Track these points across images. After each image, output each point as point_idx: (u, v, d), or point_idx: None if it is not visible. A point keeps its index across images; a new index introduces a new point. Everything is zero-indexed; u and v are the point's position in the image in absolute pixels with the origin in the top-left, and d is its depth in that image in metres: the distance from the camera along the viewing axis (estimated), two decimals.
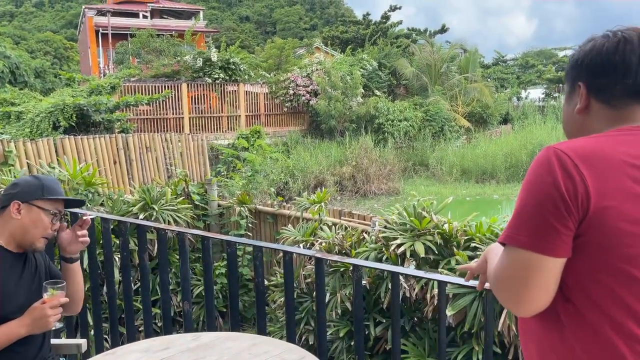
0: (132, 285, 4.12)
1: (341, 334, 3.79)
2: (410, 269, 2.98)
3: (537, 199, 0.98)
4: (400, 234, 3.55)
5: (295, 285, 4.29)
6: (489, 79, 27.14)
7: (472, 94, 20.33)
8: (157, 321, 4.11)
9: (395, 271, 1.81)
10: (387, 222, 3.74)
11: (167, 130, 13.59)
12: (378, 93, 18.90)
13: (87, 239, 2.03)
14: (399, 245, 3.46)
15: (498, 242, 1.06)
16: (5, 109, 11.48)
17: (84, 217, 2.03)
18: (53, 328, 1.88)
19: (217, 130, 15.63)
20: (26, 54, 22.94)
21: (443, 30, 30.78)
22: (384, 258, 3.59)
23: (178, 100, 14.96)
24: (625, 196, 0.96)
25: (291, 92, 16.80)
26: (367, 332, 3.68)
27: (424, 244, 3.44)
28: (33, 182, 1.96)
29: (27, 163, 5.71)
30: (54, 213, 1.94)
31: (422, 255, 3.38)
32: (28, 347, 1.88)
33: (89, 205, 4.49)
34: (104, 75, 17.10)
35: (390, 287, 3.52)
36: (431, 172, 16.02)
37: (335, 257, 2.16)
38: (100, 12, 21.90)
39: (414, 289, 3.43)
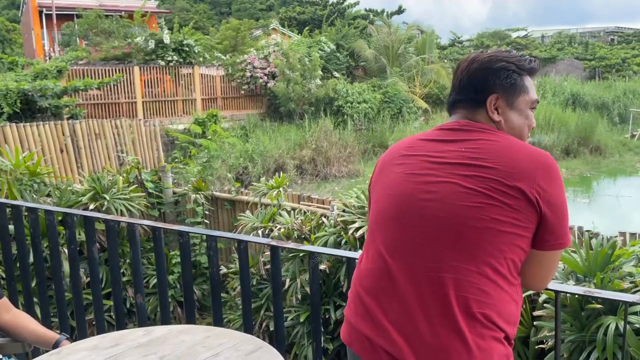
0: (85, 278, 3.98)
1: (302, 319, 3.79)
2: None
3: None
4: (359, 217, 3.55)
5: (254, 271, 4.25)
6: (445, 60, 27.47)
7: (430, 75, 20.54)
8: (111, 314, 3.99)
9: (353, 257, 1.78)
10: (346, 205, 3.73)
11: (119, 116, 13.10)
12: (337, 75, 18.83)
13: None
14: (358, 229, 3.46)
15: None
16: None
17: None
18: None
19: (172, 114, 15.20)
20: None
21: (400, 11, 30.86)
22: (343, 242, 3.59)
23: (130, 84, 14.43)
24: None
25: (248, 74, 16.50)
26: (327, 316, 3.69)
27: None
28: None
29: None
30: None
31: None
32: None
33: (34, 196, 4.28)
34: (50, 59, 16.27)
35: (348, 271, 3.52)
36: None
37: (291, 245, 2.12)
38: None
39: None
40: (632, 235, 3.99)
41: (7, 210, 2.93)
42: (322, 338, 3.74)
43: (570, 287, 1.78)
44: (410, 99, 18.85)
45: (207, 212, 5.22)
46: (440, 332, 1.20)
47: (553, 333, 2.64)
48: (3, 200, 3.10)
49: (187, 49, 15.33)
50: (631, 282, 2.59)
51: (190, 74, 15.64)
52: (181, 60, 15.29)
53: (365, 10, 29.72)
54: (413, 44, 22.63)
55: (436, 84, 20.51)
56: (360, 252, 1.54)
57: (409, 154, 1.38)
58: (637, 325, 2.40)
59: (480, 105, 1.36)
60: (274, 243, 1.99)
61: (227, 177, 7.36)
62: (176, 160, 9.68)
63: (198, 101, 15.85)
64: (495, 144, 1.28)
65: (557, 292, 1.59)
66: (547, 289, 1.45)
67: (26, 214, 3.20)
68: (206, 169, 6.77)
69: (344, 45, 20.53)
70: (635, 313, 2.44)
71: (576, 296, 2.57)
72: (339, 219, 3.69)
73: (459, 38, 39.00)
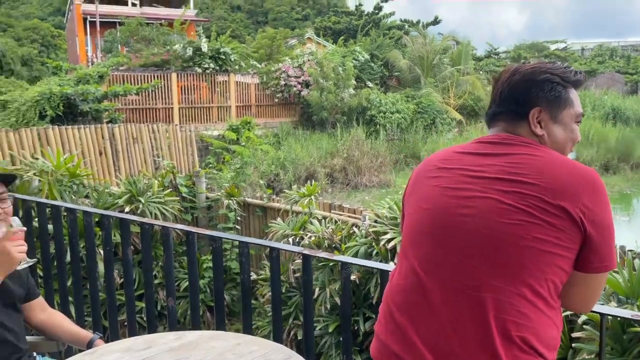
0: (118, 279, 4.05)
1: (330, 329, 3.75)
2: None
3: None
4: (391, 229, 3.51)
5: (284, 279, 4.24)
6: (481, 72, 27.10)
7: (464, 86, 20.30)
8: (142, 315, 4.04)
9: (385, 269, 1.75)
10: (378, 216, 3.69)
11: (156, 121, 13.40)
12: (370, 85, 18.81)
13: (24, 247, 1.79)
14: (389, 240, 3.41)
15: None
16: None
17: (13, 230, 1.78)
18: (23, 265, 1.80)
19: (207, 120, 15.46)
20: (13, 41, 22.53)
21: (436, 22, 30.68)
22: (374, 253, 3.54)
23: (168, 90, 14.76)
24: None
25: (282, 82, 16.65)
26: (356, 328, 3.64)
27: None
28: None
29: (10, 154, 5.57)
30: None
31: None
32: (1, 345, 1.82)
33: (73, 197, 4.39)
34: (92, 64, 16.82)
35: (380, 283, 3.48)
36: None
37: (324, 254, 2.11)
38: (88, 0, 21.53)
39: None
40: None
41: (47, 210, 3.01)
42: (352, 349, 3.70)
43: (616, 310, 1.70)
44: (444, 110, 18.66)
45: (239, 218, 5.26)
46: (475, 354, 1.16)
47: (592, 356, 2.54)
48: (43, 200, 3.19)
49: (224, 56, 15.60)
50: None
51: (225, 81, 15.90)
52: (217, 67, 15.56)
53: (401, 20, 29.67)
54: (448, 55, 22.43)
55: (471, 95, 20.24)
56: (392, 264, 1.51)
57: (444, 166, 1.35)
58: None
59: (521, 118, 1.31)
60: (306, 252, 1.98)
61: (259, 183, 7.41)
62: (210, 165, 9.82)
63: (232, 108, 16.08)
64: (537, 159, 1.23)
65: (602, 314, 1.52)
66: (592, 311, 1.38)
67: (64, 214, 3.28)
68: (239, 175, 6.83)
69: (379, 55, 20.50)
70: None
71: (618, 319, 2.47)
72: (370, 230, 3.65)
73: (495, 49, 38.44)
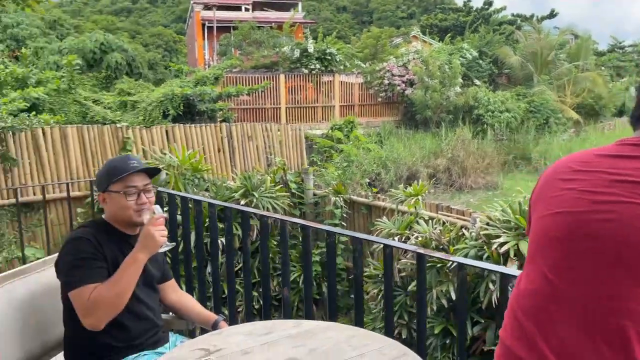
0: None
1: (436, 331, 3.71)
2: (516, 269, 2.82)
3: None
4: (504, 232, 3.38)
5: None
6: (603, 68, 24.92)
7: (583, 83, 18.81)
8: (254, 304, 4.28)
9: (506, 273, 1.72)
10: (490, 218, 3.57)
11: (264, 120, 14.05)
12: (478, 83, 18.11)
13: (165, 232, 1.97)
14: (502, 244, 3.29)
15: None
16: (122, 99, 12.49)
17: (156, 217, 1.96)
18: (165, 248, 1.97)
19: (311, 120, 15.88)
20: (141, 47, 24.82)
21: (552, 15, 28.74)
22: (485, 256, 3.44)
23: (276, 91, 15.39)
24: None
25: (386, 82, 16.60)
26: None
27: None
28: (102, 170, 2.03)
29: (143, 149, 6.19)
30: (126, 192, 1.94)
31: None
32: (140, 322, 2.00)
33: (195, 190, 4.76)
34: (208, 67, 18.01)
35: (490, 287, 3.37)
36: (533, 167, 15.11)
37: (439, 254, 2.10)
38: (207, 7, 23.06)
39: None
40: None
41: (176, 200, 3.30)
42: (457, 353, 3.63)
43: None
44: (559, 109, 17.43)
45: (344, 215, 5.37)
46: None
47: None
48: (174, 192, 3.49)
49: (329, 57, 15.91)
50: None
51: (330, 81, 16.21)
52: (323, 68, 15.91)
53: (513, 15, 28.20)
54: (565, 50, 20.93)
55: (590, 93, 18.70)
56: (514, 269, 1.47)
57: (582, 169, 1.27)
58: None
59: None
60: (421, 251, 1.99)
61: (361, 182, 7.49)
62: (314, 163, 10.09)
63: (336, 108, 16.35)
64: None
65: None
66: None
67: (190, 205, 3.57)
68: (346, 173, 6.96)
69: (487, 52, 19.67)
70: None
71: None
72: (481, 232, 3.55)
73: (620, 43, 35.09)
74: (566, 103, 18.12)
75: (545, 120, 16.90)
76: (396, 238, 4.36)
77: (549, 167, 1.42)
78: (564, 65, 19.53)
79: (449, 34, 22.26)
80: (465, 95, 16.31)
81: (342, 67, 16.49)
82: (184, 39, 30.71)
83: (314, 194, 5.55)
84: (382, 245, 4.38)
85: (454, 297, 3.58)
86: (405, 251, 4.14)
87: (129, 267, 1.86)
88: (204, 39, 22.64)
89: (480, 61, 19.12)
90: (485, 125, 16.12)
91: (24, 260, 4.28)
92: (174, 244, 2.10)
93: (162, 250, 1.99)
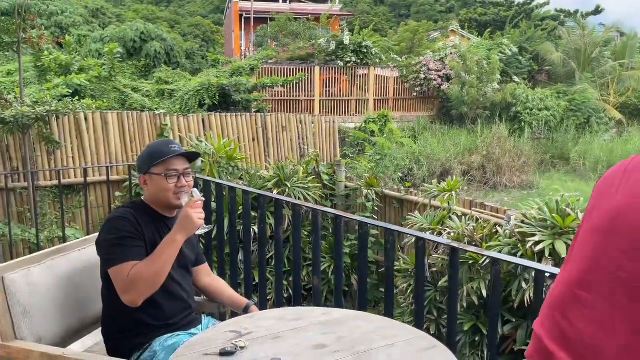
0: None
1: (465, 328, 3.67)
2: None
3: None
4: (540, 231, 3.31)
5: None
6: None
7: (628, 82, 18.14)
8: (283, 292, 4.32)
9: (540, 269, 1.68)
10: (525, 216, 3.50)
11: (298, 112, 14.09)
12: (516, 79, 17.68)
13: (203, 215, 2.00)
14: (537, 243, 3.23)
15: None
16: (160, 87, 12.74)
17: (194, 199, 1.99)
18: (202, 231, 2.01)
19: (345, 113, 15.84)
20: (179, 37, 25.25)
21: (597, 11, 27.79)
22: (519, 254, 3.38)
23: (310, 83, 15.40)
24: None
25: (422, 76, 16.39)
26: None
27: (566, 243, 3.17)
28: (144, 152, 2.08)
29: (180, 136, 6.31)
30: (167, 174, 1.99)
31: (563, 255, 3.12)
32: (174, 302, 2.05)
33: (229, 178, 4.83)
34: (245, 58, 18.17)
35: (523, 286, 3.31)
36: (572, 167, 14.69)
37: (473, 249, 2.08)
38: None
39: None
40: None
41: (212, 187, 3.36)
42: (486, 351, 3.59)
43: None
44: (602, 108, 16.86)
45: (376, 208, 5.36)
46: None
47: None
48: (210, 178, 3.56)
49: (365, 50, 15.80)
50: None
51: (365, 74, 16.11)
52: (358, 61, 15.82)
53: (556, 10, 27.37)
54: (610, 48, 20.21)
55: (635, 92, 18.02)
56: (549, 266, 1.43)
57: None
58: None
59: None
60: (455, 244, 1.97)
61: (394, 176, 7.44)
62: (347, 156, 10.07)
63: (370, 101, 16.26)
64: None
65: None
66: None
67: (224, 192, 3.63)
68: (379, 166, 6.93)
69: (528, 49, 19.16)
70: None
71: None
72: (516, 230, 3.48)
73: None
74: (609, 102, 17.52)
75: (587, 119, 16.39)
76: (428, 233, 4.33)
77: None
78: (608, 63, 18.87)
79: (488, 29, 21.76)
80: (503, 92, 15.95)
81: (377, 61, 16.36)
82: (221, 29, 31.07)
83: (346, 187, 5.55)
84: (413, 240, 4.37)
85: (484, 294, 3.54)
86: (437, 246, 4.10)
87: (168, 247, 1.91)
88: (241, 29, 22.83)
89: (520, 57, 18.65)
90: (522, 123, 15.75)
91: (64, 239, 4.44)
92: (210, 226, 2.14)
93: (199, 232, 2.04)
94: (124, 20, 21.91)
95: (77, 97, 7.37)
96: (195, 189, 2.07)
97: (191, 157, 2.12)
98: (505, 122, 15.43)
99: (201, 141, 5.13)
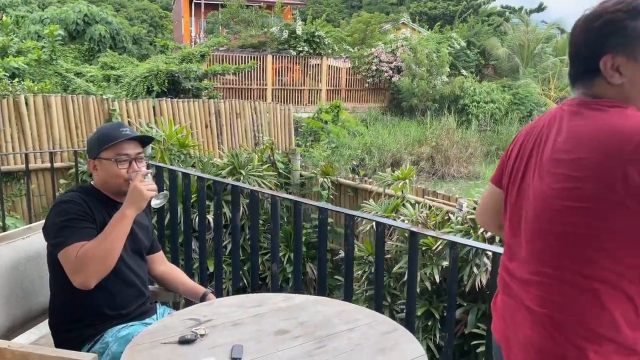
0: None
1: (419, 313, 3.75)
2: None
3: None
4: None
5: (372, 259, 4.29)
6: None
7: (567, 78, 19.02)
8: (239, 281, 4.27)
9: (497, 251, 1.73)
10: (477, 204, 3.61)
11: (251, 101, 13.92)
12: (465, 73, 18.19)
13: (153, 186, 1.93)
14: None
15: None
16: (106, 72, 12.24)
17: (142, 172, 1.93)
18: (157, 201, 1.96)
19: (298, 103, 15.79)
20: (125, 21, 24.26)
21: (540, 9, 28.96)
22: (471, 240, 3.48)
23: (262, 72, 15.23)
24: None
25: (374, 67, 16.55)
26: (444, 314, 3.61)
27: None
28: (93, 136, 1.99)
29: (129, 122, 6.08)
30: (118, 159, 1.91)
31: None
32: (127, 290, 1.97)
33: (180, 165, 4.71)
34: (195, 44, 17.72)
35: (474, 271, 3.42)
36: None
37: (433, 233, 2.11)
38: None
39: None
40: None
41: (164, 174, 3.25)
42: (438, 334, 3.69)
43: None
44: (543, 102, 17.63)
45: (331, 197, 5.37)
46: None
47: None
48: (162, 164, 3.45)
49: (318, 40, 15.78)
50: None
51: (318, 64, 16.10)
52: (311, 51, 15.78)
53: (502, 7, 28.30)
54: (552, 44, 21.10)
55: None
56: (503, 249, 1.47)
57: None
58: None
59: (596, 73, 1.16)
60: (414, 229, 2.00)
61: (347, 166, 7.50)
62: (300, 145, 10.06)
63: (323, 91, 16.28)
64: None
65: None
66: None
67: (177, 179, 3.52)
68: (334, 154, 6.95)
69: (475, 43, 19.73)
70: None
71: None
72: (467, 217, 3.58)
73: None
74: (550, 96, 18.34)
75: (529, 112, 17.09)
76: None
77: None
78: (549, 59, 19.72)
79: (438, 23, 22.23)
80: (452, 84, 16.37)
81: (330, 51, 16.38)
82: (170, 14, 30.15)
83: (301, 175, 5.54)
84: (368, 227, 4.42)
85: (437, 279, 3.62)
86: (391, 233, 4.17)
87: (118, 222, 1.83)
88: (190, 15, 22.22)
89: (468, 51, 19.18)
90: (470, 116, 16.24)
91: (4, 229, 4.19)
92: (166, 193, 2.06)
93: (155, 204, 1.98)
94: (65, 2, 20.83)
95: (17, 79, 6.95)
96: (150, 175, 1.99)
97: (144, 141, 2.04)
98: (454, 114, 15.86)
99: (151, 127, 4.96)
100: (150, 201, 1.94)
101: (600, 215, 1.05)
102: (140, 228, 2.09)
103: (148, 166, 2.97)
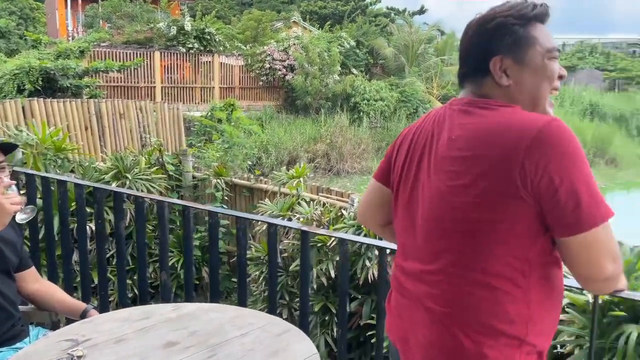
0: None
1: (316, 309, 3.80)
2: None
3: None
4: None
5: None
6: None
7: (448, 77, 20.42)
8: (127, 292, 4.03)
9: (383, 246, 1.80)
10: None
11: (138, 99, 13.18)
12: (355, 71, 18.78)
13: (18, 199, 1.76)
14: None
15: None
16: None
17: (5, 184, 1.75)
18: (22, 216, 1.81)
19: (190, 101, 15.27)
20: None
21: (422, 11, 30.72)
22: (363, 234, 3.59)
23: (150, 69, 14.50)
24: None
25: (267, 65, 16.51)
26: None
27: None
28: None
29: None
30: None
31: None
32: None
33: (57, 171, 4.33)
34: (72, 39, 16.40)
35: (367, 264, 3.53)
36: None
37: (323, 231, 2.14)
38: None
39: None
40: None
41: (37, 182, 2.97)
42: (335, 328, 3.77)
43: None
44: (427, 99, 18.77)
45: (226, 198, 5.26)
46: None
47: (572, 338, 2.64)
48: (33, 171, 3.14)
49: (208, 37, 15.37)
50: None
51: (209, 62, 15.69)
52: (202, 48, 15.34)
53: (387, 8, 29.58)
54: (433, 45, 22.50)
55: (454, 86, 20.39)
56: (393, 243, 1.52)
57: None
58: None
59: (485, 73, 1.20)
60: (305, 228, 2.01)
61: (243, 165, 7.40)
62: (193, 146, 9.73)
63: (216, 89, 15.90)
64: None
65: (596, 296, 1.59)
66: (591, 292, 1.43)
67: (52, 187, 3.23)
68: (227, 154, 6.80)
69: (364, 43, 20.45)
70: None
71: (599, 302, 2.56)
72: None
73: None
74: (433, 94, 19.56)
75: (415, 109, 18.09)
76: (279, 219, 4.38)
77: None
78: (431, 59, 21.01)
79: (328, 22, 22.72)
80: (343, 83, 16.83)
81: (221, 48, 16.04)
82: (42, 6, 27.64)
83: (194, 177, 5.35)
84: (265, 227, 4.38)
85: (333, 274, 3.70)
86: (287, 232, 4.18)
87: None
88: (66, 8, 20.53)
89: (358, 51, 19.82)
90: (361, 113, 16.82)
91: None
92: (33, 207, 1.88)
93: (20, 219, 1.80)
94: None
95: None
96: (14, 187, 1.80)
97: (6, 148, 1.84)
98: (346, 112, 16.33)
99: (21, 130, 4.49)
100: (14, 216, 1.76)
101: (500, 209, 1.07)
102: (6, 244, 1.90)
103: (15, 174, 2.70)
